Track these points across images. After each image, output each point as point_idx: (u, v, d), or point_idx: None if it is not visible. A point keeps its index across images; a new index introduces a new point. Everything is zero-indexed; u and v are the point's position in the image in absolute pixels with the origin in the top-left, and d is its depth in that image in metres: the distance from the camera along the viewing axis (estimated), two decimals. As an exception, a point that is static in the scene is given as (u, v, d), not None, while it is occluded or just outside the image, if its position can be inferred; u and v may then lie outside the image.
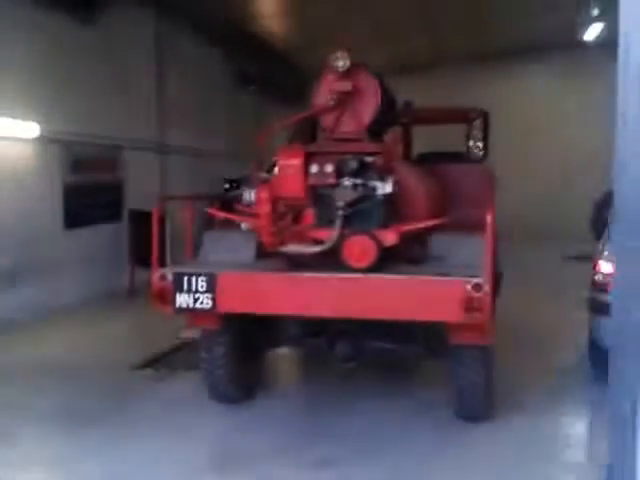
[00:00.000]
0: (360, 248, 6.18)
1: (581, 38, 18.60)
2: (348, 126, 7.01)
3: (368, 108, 6.99)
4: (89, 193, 13.51)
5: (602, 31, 17.14)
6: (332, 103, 6.90)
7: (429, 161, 9.12)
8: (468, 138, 9.82)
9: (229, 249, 7.07)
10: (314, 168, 6.36)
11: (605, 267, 7.58)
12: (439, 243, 6.69)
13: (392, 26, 17.70)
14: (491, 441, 6.55)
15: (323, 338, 7.09)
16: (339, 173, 6.37)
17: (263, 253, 6.75)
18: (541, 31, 19.72)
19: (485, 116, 9.56)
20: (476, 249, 6.04)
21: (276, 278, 6.26)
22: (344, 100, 6.94)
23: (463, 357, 6.58)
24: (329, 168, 6.33)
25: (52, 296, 11.65)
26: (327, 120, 7.06)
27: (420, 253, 6.75)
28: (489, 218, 5.82)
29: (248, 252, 6.95)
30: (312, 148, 6.49)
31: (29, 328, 5.64)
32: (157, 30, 15.72)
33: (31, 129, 11.83)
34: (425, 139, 10.67)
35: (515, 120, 22.20)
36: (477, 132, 9.67)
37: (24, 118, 11.54)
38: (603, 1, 15.13)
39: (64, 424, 6.91)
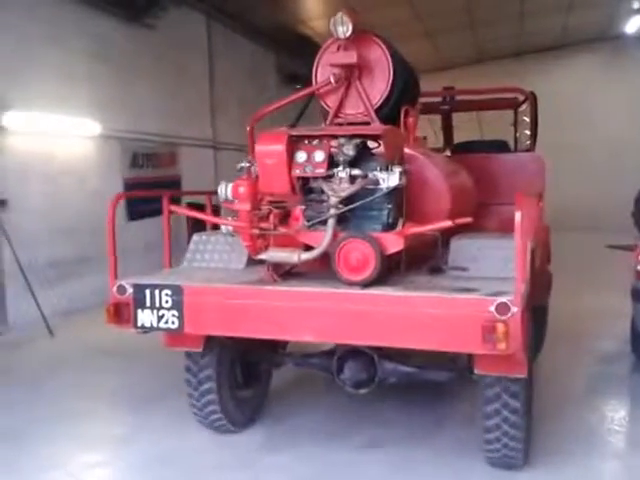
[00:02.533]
0: (356, 256, 4.78)
1: (622, 30, 19.02)
2: (354, 107, 5.55)
3: (378, 85, 5.60)
4: (148, 188, 13.16)
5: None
6: (333, 79, 5.41)
7: (468, 150, 7.59)
8: (516, 124, 8.22)
9: (218, 254, 5.83)
10: (301, 156, 4.95)
11: None
12: (460, 248, 5.21)
13: (435, 21, 17.18)
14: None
15: (331, 358, 5.66)
16: (332, 162, 4.89)
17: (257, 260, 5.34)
18: (582, 24, 19.38)
19: (533, 99, 7.96)
20: (509, 255, 4.60)
21: (251, 292, 4.89)
22: (348, 76, 5.49)
23: (491, 391, 5.10)
24: (319, 156, 4.92)
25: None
26: (329, 100, 5.68)
27: (442, 261, 5.20)
28: (518, 216, 4.31)
29: (239, 258, 5.58)
30: (299, 131, 4.99)
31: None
32: (209, 32, 15.74)
33: (93, 127, 12.09)
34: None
35: (559, 113, 20.81)
36: (524, 118, 8.06)
37: (86, 117, 11.84)
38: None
39: (132, 401, 7.13)
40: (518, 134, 8.35)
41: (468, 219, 4.95)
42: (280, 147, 4.94)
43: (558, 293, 8.18)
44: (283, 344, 6.21)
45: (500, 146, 7.97)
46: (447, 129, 8.63)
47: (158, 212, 6.16)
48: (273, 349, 6.09)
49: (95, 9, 12.10)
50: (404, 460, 5.55)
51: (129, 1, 12.74)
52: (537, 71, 21.73)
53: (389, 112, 5.60)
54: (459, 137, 8.73)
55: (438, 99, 8.48)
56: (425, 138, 7.37)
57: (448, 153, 8.07)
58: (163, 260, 6.01)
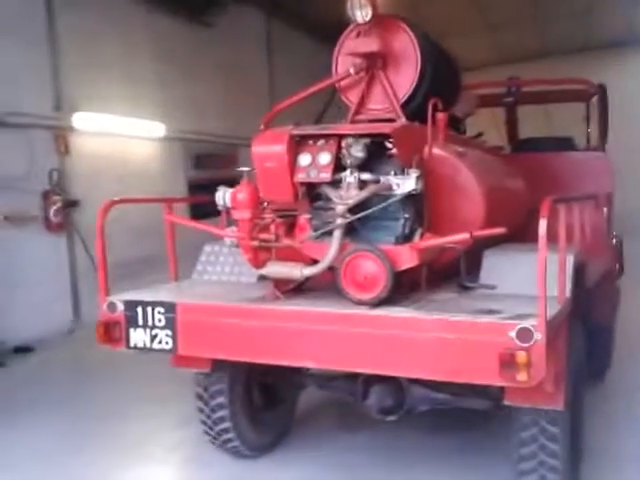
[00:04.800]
0: (363, 273, 4.07)
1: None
2: (378, 102, 4.81)
3: (404, 76, 4.81)
4: (210, 188, 12.30)
5: None
6: (352, 70, 4.69)
7: (529, 148, 6.71)
8: (588, 120, 7.26)
9: (229, 267, 5.25)
10: (304, 158, 4.25)
11: None
12: (493, 263, 4.41)
13: (499, 15, 15.95)
14: None
15: (356, 382, 4.95)
16: (340, 165, 4.16)
17: None
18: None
19: (602, 92, 7.01)
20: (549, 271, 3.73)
21: (248, 311, 4.27)
22: (370, 66, 4.74)
23: (523, 426, 4.32)
24: (324, 158, 4.22)
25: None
26: (350, 94, 4.93)
27: (472, 277, 4.41)
28: (543, 224, 3.56)
29: (250, 271, 5.00)
30: (301, 130, 4.29)
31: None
32: (268, 30, 15.33)
33: (158, 129, 12.05)
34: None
35: (630, 112, 18.46)
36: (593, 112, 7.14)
37: (151, 118, 11.80)
38: None
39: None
40: (589, 130, 7.36)
41: (500, 229, 4.11)
42: (281, 148, 4.30)
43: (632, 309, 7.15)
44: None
45: (564, 144, 7.03)
46: (511, 124, 7.75)
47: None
48: (293, 370, 5.38)
49: (157, 10, 11.95)
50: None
51: (189, 0, 12.53)
52: (605, 67, 19.19)
53: (418, 106, 4.81)
54: (526, 133, 7.80)
55: (501, 91, 7.57)
56: (481, 134, 6.56)
57: (507, 151, 7.19)
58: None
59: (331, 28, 15.76)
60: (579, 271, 4.54)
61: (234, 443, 5.33)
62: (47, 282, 9.92)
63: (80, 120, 10.36)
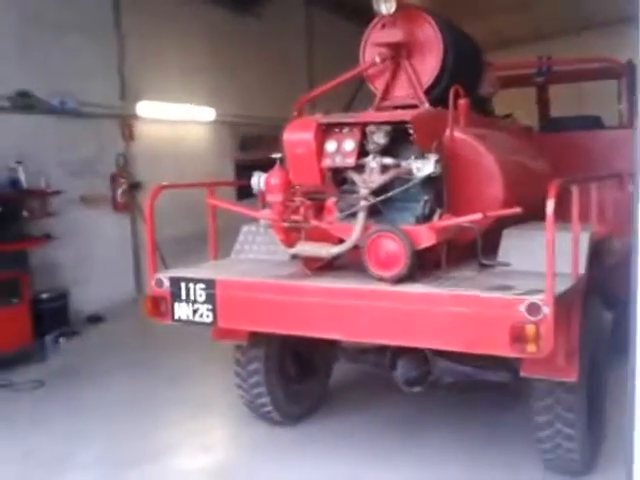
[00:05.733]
0: (384, 251, 4.08)
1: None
2: (402, 89, 4.82)
3: (428, 64, 4.81)
4: (255, 169, 12.31)
5: None
6: (378, 59, 4.70)
7: (558, 128, 6.58)
8: (619, 97, 7.04)
9: (265, 246, 5.29)
10: (331, 145, 4.29)
11: None
12: (511, 241, 4.41)
13: None
14: None
15: (384, 355, 5.02)
16: (365, 151, 4.19)
17: None
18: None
19: (632, 69, 6.77)
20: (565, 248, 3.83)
21: (280, 287, 4.36)
22: (395, 55, 4.73)
23: (540, 396, 4.33)
24: (349, 145, 4.26)
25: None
26: (377, 82, 4.95)
27: (491, 255, 4.42)
28: (550, 204, 3.57)
29: (285, 251, 4.98)
30: (328, 119, 4.33)
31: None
32: (309, 18, 15.03)
33: (209, 113, 12.10)
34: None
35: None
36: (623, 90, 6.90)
37: (203, 104, 11.88)
38: None
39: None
40: (620, 108, 7.11)
41: (515, 209, 4.10)
42: (309, 136, 4.35)
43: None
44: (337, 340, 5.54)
45: (592, 122, 6.85)
46: (542, 103, 7.55)
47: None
48: (325, 343, 5.44)
49: (208, 2, 11.97)
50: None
51: None
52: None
53: (441, 93, 4.79)
54: (560, 113, 7.61)
55: (532, 70, 7.37)
56: (510, 115, 6.46)
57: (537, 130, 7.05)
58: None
59: (369, 13, 15.29)
60: (598, 248, 4.49)
61: (267, 408, 5.42)
62: (114, 257, 10.23)
63: (143, 108, 10.62)
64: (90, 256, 9.57)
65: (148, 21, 10.64)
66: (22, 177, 7.84)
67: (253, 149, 13.10)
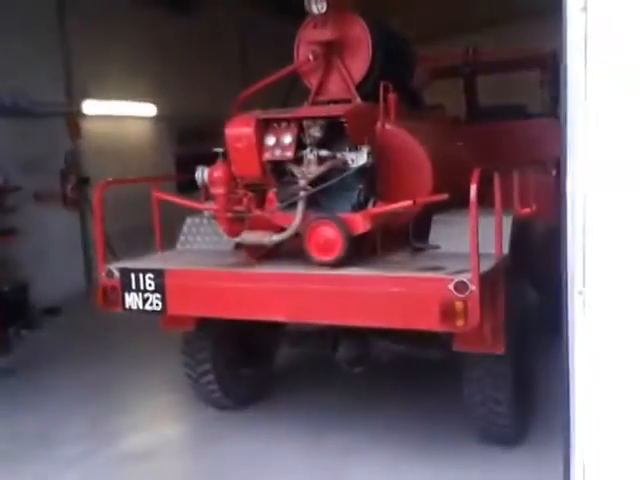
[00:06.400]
0: (323, 238, 4.19)
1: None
2: (335, 85, 4.92)
3: (358, 61, 4.89)
4: (194, 163, 12.18)
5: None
6: (311, 57, 4.78)
7: (484, 116, 6.73)
8: (542, 86, 7.20)
9: (209, 237, 5.31)
10: (270, 139, 4.38)
11: None
12: (440, 226, 4.54)
13: None
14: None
15: (326, 337, 5.14)
16: (302, 144, 4.27)
17: None
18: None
19: (555, 59, 6.95)
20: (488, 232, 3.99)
21: (226, 275, 4.44)
22: (328, 53, 4.82)
23: (473, 368, 4.50)
24: (287, 138, 4.35)
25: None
26: (310, 79, 5.04)
27: (422, 239, 4.56)
28: (474, 189, 3.74)
29: (227, 240, 5.04)
30: (267, 114, 4.40)
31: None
32: (241, 16, 14.82)
33: (150, 109, 12.19)
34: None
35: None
36: (548, 79, 7.05)
37: (143, 100, 11.89)
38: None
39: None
40: (544, 96, 7.25)
41: (443, 196, 4.25)
42: (249, 130, 4.42)
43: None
44: (281, 324, 5.55)
45: (517, 111, 7.02)
46: (469, 93, 7.65)
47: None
48: (269, 328, 5.50)
49: (144, 3, 11.85)
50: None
51: None
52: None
53: (372, 87, 4.89)
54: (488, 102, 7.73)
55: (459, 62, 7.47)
56: (440, 105, 6.57)
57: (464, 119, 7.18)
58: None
59: (299, 12, 15.00)
60: (524, 230, 4.66)
61: (216, 395, 5.47)
62: (65, 251, 10.18)
63: (88, 106, 10.58)
64: (43, 250, 9.50)
65: (91, 22, 10.53)
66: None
67: (191, 143, 13.08)
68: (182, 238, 5.39)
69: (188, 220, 5.42)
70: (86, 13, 10.42)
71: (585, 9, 2.55)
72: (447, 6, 14.33)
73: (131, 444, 5.23)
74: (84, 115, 10.55)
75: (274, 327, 5.40)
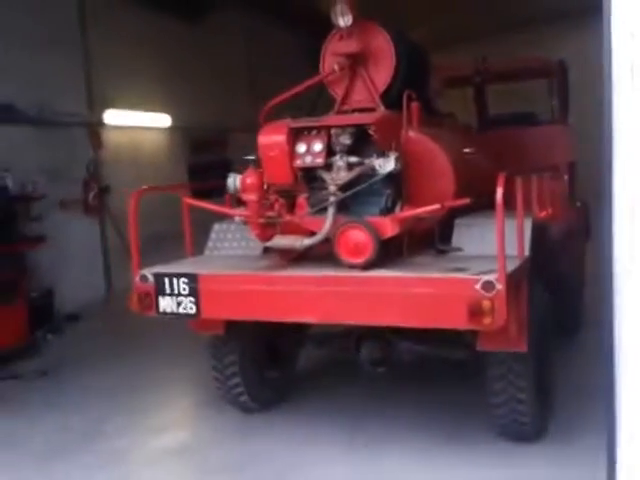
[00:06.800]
0: (353, 241, 4.28)
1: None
2: (360, 94, 5.00)
3: (382, 71, 4.99)
4: (205, 170, 12.95)
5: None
6: (337, 68, 4.87)
7: (495, 124, 6.81)
8: (551, 95, 7.29)
9: (237, 242, 5.38)
10: (301, 147, 4.48)
11: None
12: (462, 229, 4.63)
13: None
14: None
15: (349, 339, 5.21)
16: (331, 151, 4.36)
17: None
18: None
19: (562, 68, 7.04)
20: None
21: (260, 278, 4.50)
22: (353, 64, 4.91)
23: (496, 366, 4.56)
24: (317, 146, 4.46)
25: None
26: (336, 89, 5.12)
27: (446, 242, 4.66)
28: (500, 192, 3.82)
29: (256, 245, 5.14)
30: (298, 123, 4.49)
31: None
32: (248, 26, 14.87)
33: (165, 120, 12.28)
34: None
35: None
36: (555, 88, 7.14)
37: (159, 111, 12.00)
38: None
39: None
40: (553, 104, 7.33)
41: (465, 200, 4.34)
42: (281, 139, 4.52)
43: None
44: (306, 326, 5.59)
45: (527, 118, 7.11)
46: (479, 102, 7.75)
47: (217, 193, 5.56)
48: (295, 331, 5.55)
49: (161, 15, 11.96)
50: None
51: (186, 2, 12.39)
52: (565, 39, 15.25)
53: (395, 97, 4.98)
54: (498, 110, 7.82)
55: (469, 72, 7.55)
56: (452, 114, 6.64)
57: (477, 127, 7.26)
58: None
59: (303, 22, 14.96)
60: (540, 233, 4.74)
61: (243, 397, 5.48)
62: (86, 258, 10.30)
63: (109, 116, 10.73)
64: (65, 257, 9.57)
65: (111, 34, 10.70)
66: (10, 184, 7.90)
67: (203, 152, 13.32)
68: (210, 244, 5.44)
69: (216, 226, 5.48)
70: (105, 27, 10.60)
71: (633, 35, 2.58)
72: (459, 16, 14.40)
73: (170, 439, 5.36)
74: (104, 125, 10.71)
75: (299, 330, 5.50)
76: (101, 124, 10.60)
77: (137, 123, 11.52)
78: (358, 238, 4.32)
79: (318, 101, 5.39)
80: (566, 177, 6.35)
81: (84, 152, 10.32)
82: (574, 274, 6.60)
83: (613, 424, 2.75)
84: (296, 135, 4.56)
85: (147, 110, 11.61)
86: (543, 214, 4.90)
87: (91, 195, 10.15)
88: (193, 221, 5.38)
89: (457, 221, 4.70)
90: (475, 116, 7.71)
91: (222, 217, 5.38)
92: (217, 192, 5.69)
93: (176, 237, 5.60)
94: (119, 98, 10.88)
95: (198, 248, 5.48)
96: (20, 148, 8.72)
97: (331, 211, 4.43)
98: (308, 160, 4.48)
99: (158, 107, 11.93)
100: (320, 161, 4.45)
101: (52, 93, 9.36)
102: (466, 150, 5.47)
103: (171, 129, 12.51)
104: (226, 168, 13.32)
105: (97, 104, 10.53)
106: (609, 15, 2.57)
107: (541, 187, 4.98)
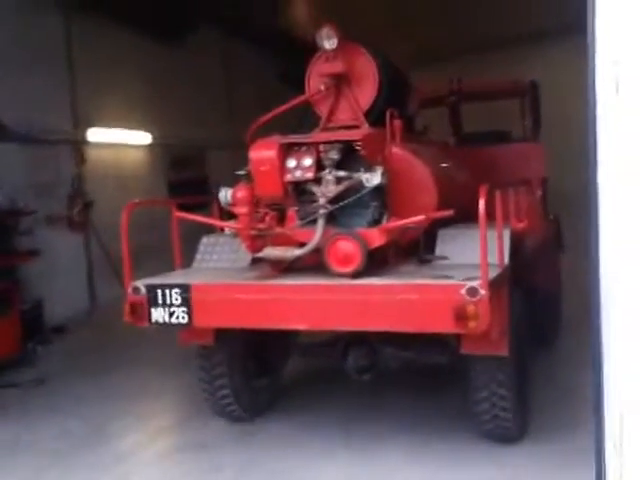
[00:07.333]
0: (343, 251, 4.36)
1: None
2: (344, 113, 5.10)
3: (365, 91, 5.09)
4: (184, 187, 13.10)
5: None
6: (323, 88, 4.97)
7: (471, 141, 6.96)
8: (523, 114, 7.47)
9: (225, 255, 5.40)
10: (291, 162, 4.57)
11: None
12: (446, 238, 4.70)
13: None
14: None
15: (336, 347, 5.23)
16: (321, 166, 4.46)
17: (261, 258, 4.95)
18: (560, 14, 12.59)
19: (534, 88, 7.22)
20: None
21: (252, 288, 4.54)
22: (337, 84, 5.02)
23: (477, 370, 4.67)
24: (308, 161, 4.53)
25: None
26: (321, 107, 5.21)
27: (428, 251, 4.74)
28: (482, 203, 3.95)
29: (243, 257, 5.19)
30: (288, 139, 4.58)
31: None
32: (225, 48, 15.02)
33: (146, 137, 12.27)
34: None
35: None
36: (527, 107, 7.32)
37: (139, 129, 11.99)
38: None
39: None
40: (525, 123, 7.51)
41: (448, 212, 4.45)
42: (272, 154, 4.60)
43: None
44: (292, 335, 5.62)
45: (502, 136, 7.29)
46: (455, 120, 7.92)
47: (199, 207, 5.66)
48: (282, 340, 5.59)
49: (141, 36, 11.98)
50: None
51: (163, 23, 12.34)
52: (515, 62, 14.13)
53: (378, 115, 5.10)
54: (471, 128, 7.98)
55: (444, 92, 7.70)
56: (426, 128, 6.75)
57: (453, 144, 7.42)
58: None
59: (274, 45, 15.05)
60: (517, 243, 4.87)
61: (232, 407, 5.45)
62: (69, 272, 10.23)
63: (92, 134, 10.74)
64: (51, 271, 9.51)
65: (94, 56, 10.73)
66: (0, 199, 7.90)
67: (182, 169, 13.41)
68: (199, 257, 5.44)
69: (204, 239, 5.52)
70: (90, 48, 10.63)
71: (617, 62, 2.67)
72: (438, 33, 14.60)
73: (168, 442, 5.51)
74: (88, 143, 10.73)
75: (286, 339, 5.54)
76: (85, 142, 10.63)
77: (119, 140, 11.55)
78: (347, 248, 4.40)
79: (304, 119, 5.46)
80: (539, 192, 6.49)
81: (68, 169, 10.33)
82: (550, 284, 6.74)
83: (601, 426, 2.85)
84: (286, 151, 4.64)
85: (129, 128, 11.66)
86: (520, 225, 5.02)
87: (75, 211, 10.11)
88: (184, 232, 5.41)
89: (440, 232, 4.80)
90: (450, 133, 7.84)
91: (205, 230, 5.50)
92: (198, 206, 5.74)
93: (154, 251, 5.57)
94: (102, 116, 10.92)
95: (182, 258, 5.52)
96: (7, 165, 8.72)
97: (321, 223, 4.51)
98: (298, 174, 4.57)
99: (139, 125, 11.96)
100: (310, 175, 4.54)
101: (39, 111, 9.36)
102: (445, 165, 5.59)
103: (151, 146, 12.53)
104: (203, 184, 13.66)
105: (81, 122, 10.55)
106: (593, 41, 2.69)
107: (518, 200, 5.11)
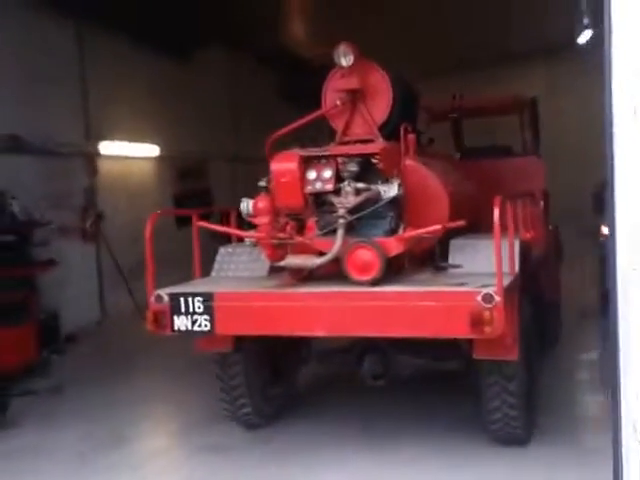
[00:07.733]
0: (362, 260, 4.45)
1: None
2: (359, 127, 5.18)
3: (379, 106, 5.19)
4: (189, 198, 13.25)
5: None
6: (339, 103, 5.07)
7: (475, 155, 7.07)
8: (522, 129, 7.59)
9: (243, 264, 5.45)
10: (312, 174, 4.65)
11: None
12: (458, 248, 4.80)
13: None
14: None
15: (351, 354, 5.29)
16: (339, 177, 4.55)
17: (278, 267, 5.02)
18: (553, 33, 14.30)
19: (532, 104, 7.35)
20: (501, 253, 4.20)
21: (274, 295, 4.61)
22: (353, 99, 5.12)
23: (489, 374, 4.72)
24: (327, 173, 4.63)
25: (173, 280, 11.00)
26: (337, 122, 5.29)
27: (442, 260, 4.84)
28: (497, 213, 4.04)
29: (262, 267, 5.25)
30: (309, 152, 4.68)
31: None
32: (231, 64, 15.15)
33: (154, 150, 12.41)
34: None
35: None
36: (527, 122, 7.44)
37: (148, 142, 12.09)
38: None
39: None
40: (524, 138, 7.63)
41: (461, 222, 4.55)
42: (293, 166, 4.68)
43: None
44: (307, 343, 5.61)
45: (504, 151, 7.41)
46: (457, 135, 8.05)
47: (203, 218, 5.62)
48: (297, 348, 5.65)
49: (151, 52, 12.10)
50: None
51: (172, 41, 12.40)
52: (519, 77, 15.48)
53: (391, 129, 5.20)
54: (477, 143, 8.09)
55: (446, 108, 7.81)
56: (432, 140, 6.83)
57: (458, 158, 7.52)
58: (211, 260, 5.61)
59: (277, 61, 15.25)
60: (525, 253, 4.97)
61: (249, 414, 5.44)
62: (81, 283, 10.27)
63: (104, 147, 10.82)
64: (64, 281, 9.54)
65: (106, 72, 10.84)
66: (17, 210, 7.92)
67: (187, 180, 13.57)
68: (217, 266, 5.49)
69: (222, 250, 5.57)
70: (102, 64, 10.74)
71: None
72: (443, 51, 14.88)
73: (197, 440, 5.56)
74: (100, 155, 10.81)
75: (301, 346, 5.60)
76: (97, 154, 10.70)
77: (129, 153, 11.65)
78: (366, 257, 4.49)
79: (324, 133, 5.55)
80: (541, 203, 6.61)
81: (80, 181, 10.41)
82: (552, 291, 6.85)
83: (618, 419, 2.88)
84: (306, 163, 4.73)
85: (138, 141, 11.76)
86: (528, 235, 5.13)
87: (89, 222, 10.17)
88: (181, 244, 5.39)
89: (452, 241, 4.89)
90: (452, 147, 7.95)
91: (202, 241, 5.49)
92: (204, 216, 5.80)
93: (162, 261, 5.52)
94: (113, 130, 11.02)
95: (186, 269, 5.61)
96: (22, 176, 8.78)
97: (340, 232, 4.60)
98: (318, 186, 4.66)
99: (147, 138, 12.09)
100: (330, 187, 4.63)
101: (53, 125, 9.49)
102: (454, 178, 5.69)
103: (159, 159, 12.67)
104: (206, 195, 13.78)
105: (93, 135, 10.66)
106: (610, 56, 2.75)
107: (525, 211, 5.23)
